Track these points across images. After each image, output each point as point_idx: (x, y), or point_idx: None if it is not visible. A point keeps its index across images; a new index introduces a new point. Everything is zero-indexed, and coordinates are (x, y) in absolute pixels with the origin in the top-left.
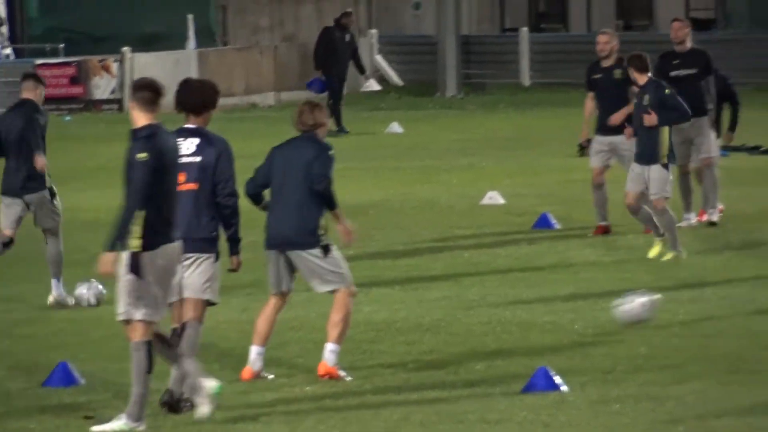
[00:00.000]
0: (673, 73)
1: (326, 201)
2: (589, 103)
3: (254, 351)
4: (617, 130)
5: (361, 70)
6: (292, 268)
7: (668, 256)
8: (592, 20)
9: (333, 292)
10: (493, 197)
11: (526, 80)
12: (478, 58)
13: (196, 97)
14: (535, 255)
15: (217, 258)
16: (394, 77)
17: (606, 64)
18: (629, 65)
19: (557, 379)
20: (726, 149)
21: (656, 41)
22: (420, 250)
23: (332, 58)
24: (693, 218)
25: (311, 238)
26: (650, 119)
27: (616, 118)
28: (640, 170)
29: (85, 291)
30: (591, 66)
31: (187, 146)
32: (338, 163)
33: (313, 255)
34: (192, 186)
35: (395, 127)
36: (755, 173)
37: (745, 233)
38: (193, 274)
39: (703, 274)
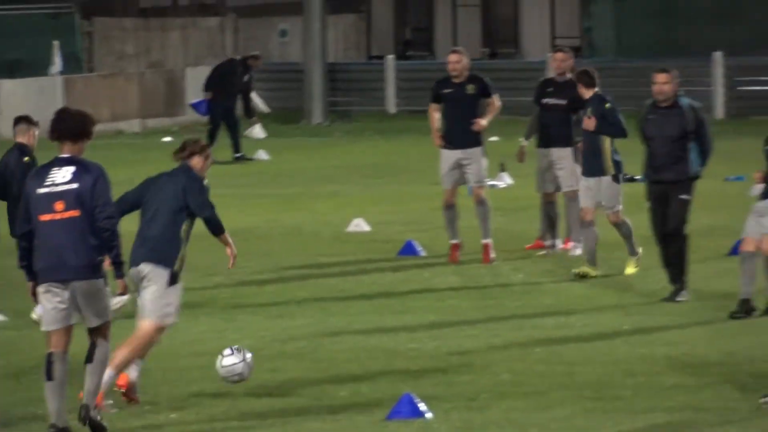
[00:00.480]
0: (544, 100)
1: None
2: (435, 114)
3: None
4: (464, 144)
5: (250, 113)
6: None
7: (630, 268)
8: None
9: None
10: (359, 224)
11: (392, 108)
12: (345, 85)
13: (74, 126)
14: (400, 282)
15: (105, 282)
16: (261, 105)
17: (457, 80)
18: (578, 81)
19: (422, 406)
20: None
21: (522, 69)
22: (286, 277)
23: (227, 87)
24: (559, 245)
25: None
26: (589, 123)
27: (480, 124)
28: (591, 183)
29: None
30: (440, 81)
31: (63, 175)
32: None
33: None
34: (73, 213)
35: (261, 155)
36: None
37: (609, 261)
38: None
39: (567, 301)
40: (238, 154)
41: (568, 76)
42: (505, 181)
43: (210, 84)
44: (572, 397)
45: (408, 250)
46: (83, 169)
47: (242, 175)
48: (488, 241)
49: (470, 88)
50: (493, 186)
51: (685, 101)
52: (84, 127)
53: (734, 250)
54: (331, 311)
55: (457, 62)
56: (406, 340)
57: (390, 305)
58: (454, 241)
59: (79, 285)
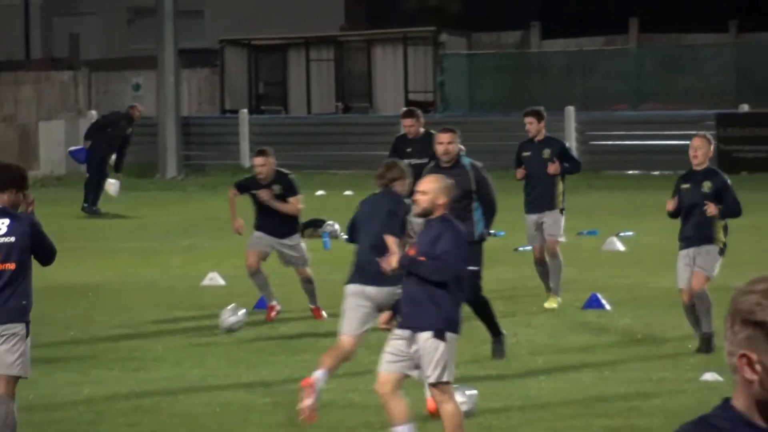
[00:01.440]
0: (405, 161)
1: None
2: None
3: None
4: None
5: (119, 167)
6: None
7: (551, 302)
8: (311, 103)
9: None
10: (214, 278)
11: (246, 161)
12: (199, 139)
13: (3, 178)
14: (255, 336)
15: (27, 332)
16: (112, 158)
17: (264, 182)
18: (532, 118)
19: None
20: None
21: (376, 123)
22: (141, 331)
23: (107, 138)
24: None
25: None
26: (554, 167)
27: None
28: (537, 218)
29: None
30: (250, 179)
31: None
32: (60, 243)
33: None
34: (8, 266)
35: (116, 209)
36: None
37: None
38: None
39: None
40: (93, 207)
41: (421, 131)
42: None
43: (90, 133)
44: None
45: (263, 303)
46: (17, 221)
47: (97, 229)
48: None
49: (276, 188)
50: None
51: (466, 160)
52: (11, 178)
53: (588, 303)
54: (187, 365)
55: (263, 165)
56: (261, 394)
57: (246, 359)
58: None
59: None
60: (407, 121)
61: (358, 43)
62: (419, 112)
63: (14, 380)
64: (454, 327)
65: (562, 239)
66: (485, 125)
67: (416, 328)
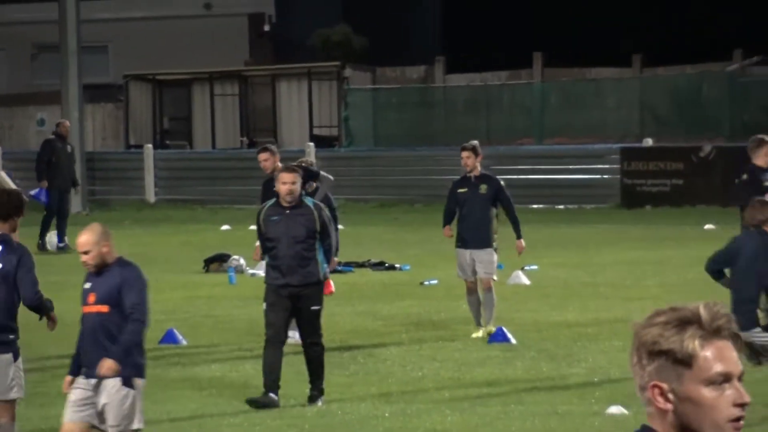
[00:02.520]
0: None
1: None
2: None
3: None
4: None
5: (75, 182)
6: None
7: (478, 332)
8: (216, 137)
9: None
10: None
11: (151, 197)
12: (103, 174)
13: (3, 206)
14: (161, 370)
15: (16, 357)
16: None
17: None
18: (469, 153)
19: None
20: (349, 265)
21: (281, 158)
22: (45, 366)
23: (58, 169)
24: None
25: None
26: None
27: None
28: (470, 254)
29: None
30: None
31: None
32: None
33: None
34: None
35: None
36: (380, 288)
37: (370, 349)
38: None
39: (328, 389)
40: (62, 244)
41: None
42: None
43: (41, 173)
44: None
45: (169, 338)
46: (10, 248)
47: None
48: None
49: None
50: (253, 275)
51: (309, 201)
52: (12, 206)
53: (494, 337)
54: None
55: (266, 160)
56: (168, 428)
57: (152, 394)
58: None
59: None
60: (262, 156)
61: (262, 78)
62: (274, 148)
63: (13, 404)
64: (141, 372)
65: (495, 277)
66: (390, 160)
67: (102, 376)
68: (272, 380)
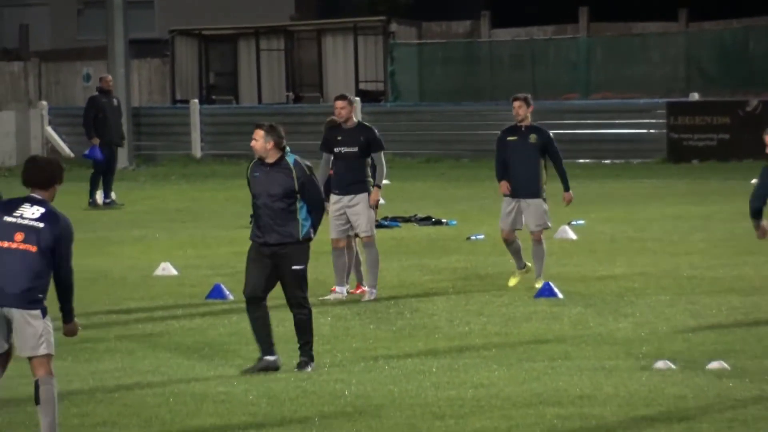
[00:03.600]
0: (336, 149)
1: None
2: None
3: None
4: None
5: (122, 137)
6: None
7: (514, 280)
8: (262, 92)
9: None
10: (166, 268)
11: (197, 152)
12: (149, 129)
13: (42, 176)
14: (208, 326)
15: (44, 314)
16: (66, 148)
17: (348, 125)
18: (521, 102)
19: None
20: (395, 220)
21: (327, 113)
22: (94, 322)
23: (106, 125)
24: (345, 292)
25: None
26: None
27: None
28: (516, 203)
29: None
30: (331, 128)
31: (33, 212)
32: None
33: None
34: (29, 248)
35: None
36: (427, 243)
37: (416, 304)
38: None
39: (375, 345)
40: (108, 199)
41: (356, 120)
42: None
43: (89, 129)
44: None
45: (216, 293)
46: (52, 215)
47: None
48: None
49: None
50: None
51: (291, 158)
52: (51, 175)
53: (541, 292)
54: (140, 355)
55: (343, 108)
56: (215, 383)
57: (199, 349)
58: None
59: (11, 312)
60: (339, 104)
61: (308, 33)
62: (352, 97)
63: (47, 359)
64: None
65: (550, 224)
66: (436, 115)
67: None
68: (262, 342)
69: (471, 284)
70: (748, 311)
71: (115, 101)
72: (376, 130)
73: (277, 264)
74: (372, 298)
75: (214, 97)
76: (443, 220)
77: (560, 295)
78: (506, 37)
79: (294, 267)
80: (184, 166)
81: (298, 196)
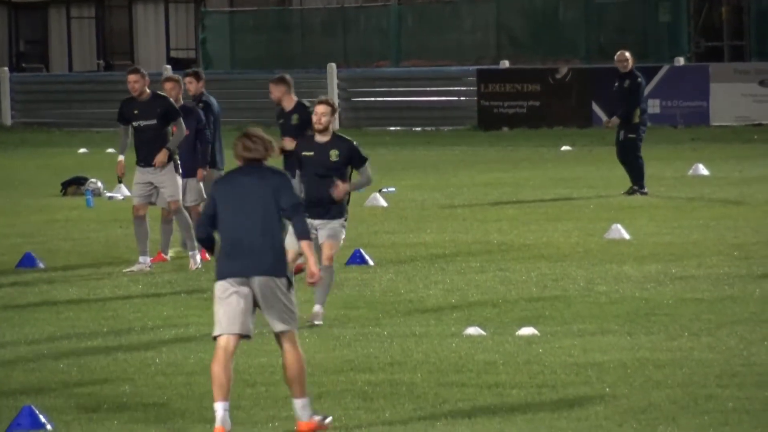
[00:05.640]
0: (135, 123)
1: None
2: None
3: (221, 407)
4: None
5: None
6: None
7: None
8: (73, 60)
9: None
10: None
11: (8, 120)
12: None
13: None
14: (18, 294)
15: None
16: None
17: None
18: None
19: (42, 418)
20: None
21: None
22: None
23: None
24: (148, 261)
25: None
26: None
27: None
28: None
29: None
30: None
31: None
32: None
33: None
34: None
35: None
36: None
37: None
38: None
39: (186, 311)
40: None
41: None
42: (122, 193)
43: None
44: (192, 407)
45: (26, 262)
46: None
47: None
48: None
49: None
50: (111, 198)
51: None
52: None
53: (352, 259)
54: None
55: (171, 89)
56: (26, 352)
57: (9, 318)
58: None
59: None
60: (131, 77)
61: (119, 1)
62: (143, 70)
63: None
64: None
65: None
66: (247, 83)
67: None
68: None
69: None
70: (557, 278)
71: None
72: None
73: None
74: (167, 258)
75: (24, 65)
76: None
77: (371, 262)
78: (318, 5)
79: None
80: None
81: None
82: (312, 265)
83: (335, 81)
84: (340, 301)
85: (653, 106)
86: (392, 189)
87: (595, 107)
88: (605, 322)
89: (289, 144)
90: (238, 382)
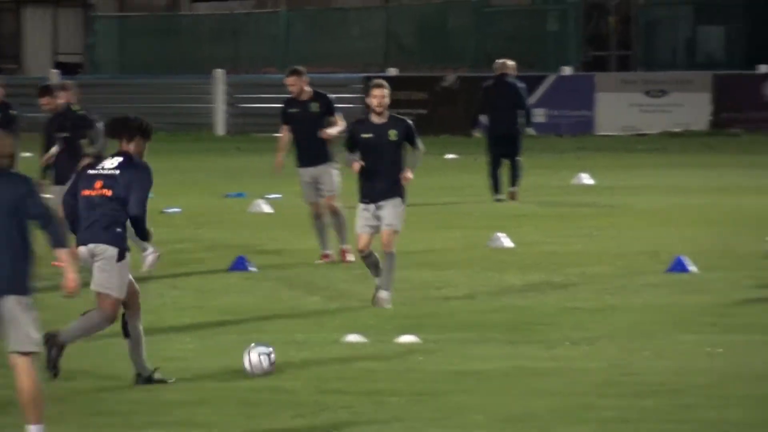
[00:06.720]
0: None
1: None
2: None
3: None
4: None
5: None
6: None
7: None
8: None
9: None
10: None
11: None
12: None
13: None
14: None
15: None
16: None
17: (304, 98)
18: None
19: None
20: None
21: (25, 85)
22: None
23: None
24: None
25: None
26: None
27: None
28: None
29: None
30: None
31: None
32: None
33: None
34: (106, 192)
35: None
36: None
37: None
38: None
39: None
40: None
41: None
42: None
43: None
44: (70, 413)
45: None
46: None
47: None
48: (347, 246)
49: (314, 107)
50: None
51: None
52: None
53: (235, 266)
54: None
55: (293, 85)
56: None
57: None
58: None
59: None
60: (290, 80)
61: (7, 5)
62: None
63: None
64: None
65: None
66: (135, 87)
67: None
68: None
69: (164, 257)
70: (440, 285)
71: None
72: None
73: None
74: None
75: None
76: None
77: (254, 269)
78: (206, 11)
79: None
80: None
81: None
82: (69, 276)
83: (222, 86)
84: (223, 307)
85: (539, 115)
86: (278, 195)
87: (482, 116)
88: (486, 331)
89: (358, 167)
90: (116, 389)
